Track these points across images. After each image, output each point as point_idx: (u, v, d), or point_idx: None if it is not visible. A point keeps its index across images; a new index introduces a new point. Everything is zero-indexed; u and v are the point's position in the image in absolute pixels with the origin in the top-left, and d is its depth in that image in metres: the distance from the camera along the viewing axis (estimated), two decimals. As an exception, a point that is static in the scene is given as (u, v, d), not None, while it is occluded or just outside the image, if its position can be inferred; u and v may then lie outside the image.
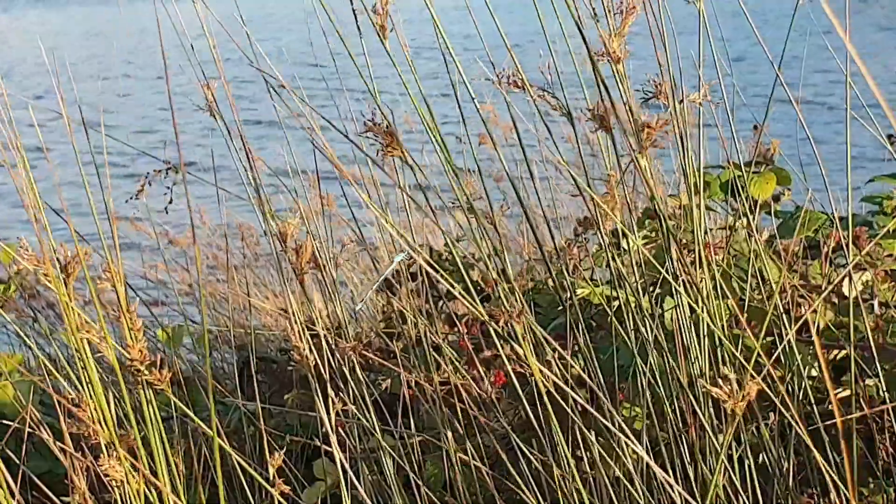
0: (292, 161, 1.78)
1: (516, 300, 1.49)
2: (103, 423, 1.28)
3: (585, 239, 2.26)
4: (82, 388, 1.30)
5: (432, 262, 1.26)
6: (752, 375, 1.08)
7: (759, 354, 1.26)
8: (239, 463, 1.35)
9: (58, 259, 1.27)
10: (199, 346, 2.86)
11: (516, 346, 1.40)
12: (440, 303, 2.08)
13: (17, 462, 1.46)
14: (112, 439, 1.27)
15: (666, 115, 1.43)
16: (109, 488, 1.32)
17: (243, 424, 2.10)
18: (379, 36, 1.47)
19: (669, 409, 1.54)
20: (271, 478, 1.30)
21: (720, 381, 1.08)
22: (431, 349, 1.64)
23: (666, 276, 1.33)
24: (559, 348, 1.48)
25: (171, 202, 1.63)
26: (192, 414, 1.34)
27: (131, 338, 1.24)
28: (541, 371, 1.37)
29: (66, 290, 1.26)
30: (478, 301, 1.39)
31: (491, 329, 1.45)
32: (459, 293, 1.36)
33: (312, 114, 1.55)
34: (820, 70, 8.82)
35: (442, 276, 1.28)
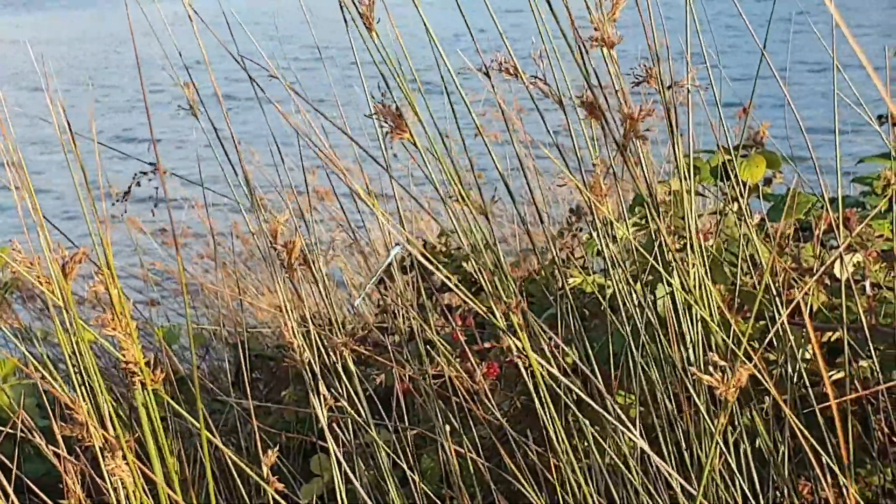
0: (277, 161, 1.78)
1: (511, 291, 1.49)
2: (98, 425, 1.27)
3: (579, 228, 2.26)
4: (76, 389, 1.30)
5: (427, 253, 1.26)
6: (742, 362, 1.08)
7: (749, 340, 1.26)
8: (233, 461, 1.34)
9: (55, 260, 1.26)
10: (195, 344, 2.86)
11: (513, 339, 1.39)
12: (433, 296, 2.08)
13: (11, 466, 1.46)
14: (110, 441, 1.27)
15: (653, 102, 1.43)
16: (105, 491, 1.32)
17: (238, 423, 2.10)
18: (366, 26, 1.46)
19: (664, 395, 1.54)
20: (266, 475, 1.29)
21: (711, 368, 1.07)
22: (424, 343, 1.64)
23: (654, 264, 1.33)
24: (555, 337, 1.48)
25: (156, 205, 1.63)
26: (184, 413, 1.34)
27: (126, 340, 1.23)
28: (538, 361, 1.37)
29: (63, 290, 1.25)
30: (469, 294, 1.39)
31: (491, 320, 1.45)
32: (455, 285, 1.37)
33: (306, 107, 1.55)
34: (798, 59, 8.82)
35: (437, 268, 1.27)
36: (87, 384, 1.29)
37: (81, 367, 1.29)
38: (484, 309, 1.35)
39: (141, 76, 1.23)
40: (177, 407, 1.31)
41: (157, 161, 1.45)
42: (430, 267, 1.26)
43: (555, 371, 1.31)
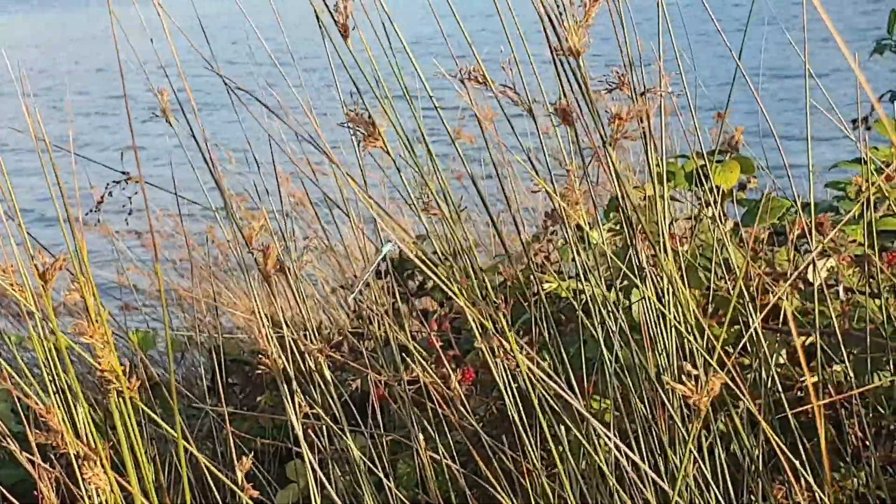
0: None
1: (493, 295, 1.49)
2: (72, 433, 1.26)
3: (553, 233, 2.26)
4: (51, 396, 1.29)
5: (416, 253, 1.26)
6: (715, 370, 1.09)
7: (724, 345, 1.27)
8: (207, 467, 1.34)
9: (35, 266, 1.25)
10: (171, 349, 2.86)
11: (503, 340, 1.39)
12: (409, 300, 2.08)
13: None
14: (83, 449, 1.26)
15: (635, 105, 1.43)
16: (79, 498, 1.31)
17: (214, 429, 2.09)
18: (342, 34, 1.46)
19: (638, 401, 1.54)
20: (240, 482, 1.29)
21: (684, 376, 1.08)
22: (400, 348, 1.64)
23: (627, 272, 1.33)
24: (526, 347, 1.48)
25: (130, 213, 1.62)
26: (159, 419, 1.34)
27: (102, 347, 1.22)
28: (521, 364, 1.37)
29: (36, 298, 1.25)
30: (458, 296, 1.39)
31: (474, 323, 1.45)
32: (452, 290, 1.36)
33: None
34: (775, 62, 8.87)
35: (433, 272, 1.28)
36: (61, 391, 1.28)
37: (55, 374, 1.29)
38: (476, 313, 1.35)
39: (124, 83, 1.23)
40: (152, 414, 1.30)
41: (139, 168, 1.45)
42: (427, 272, 1.25)
43: (541, 374, 1.31)
